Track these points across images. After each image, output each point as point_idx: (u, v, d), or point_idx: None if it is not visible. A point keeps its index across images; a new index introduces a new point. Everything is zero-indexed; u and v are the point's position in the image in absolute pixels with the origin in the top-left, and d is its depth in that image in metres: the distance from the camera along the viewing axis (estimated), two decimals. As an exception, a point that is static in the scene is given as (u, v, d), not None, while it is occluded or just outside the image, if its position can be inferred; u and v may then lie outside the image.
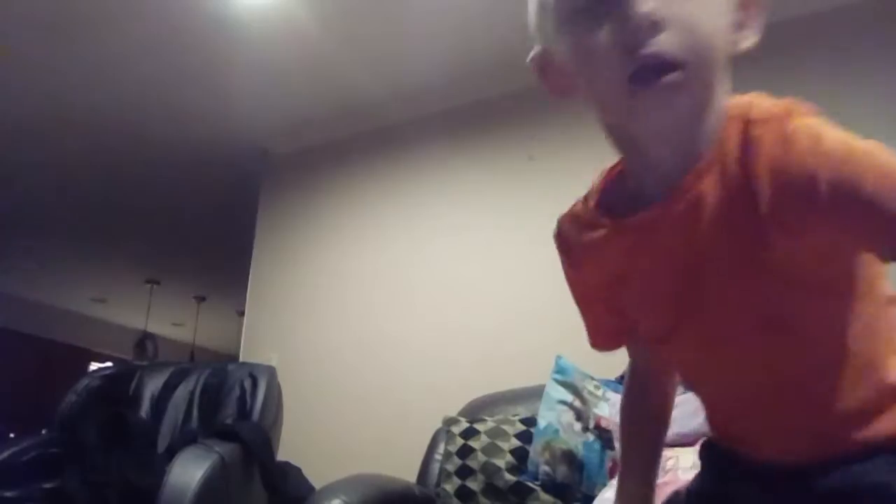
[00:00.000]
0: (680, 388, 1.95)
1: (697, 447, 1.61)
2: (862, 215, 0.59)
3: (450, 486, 2.01)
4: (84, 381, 2.76)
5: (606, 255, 0.76)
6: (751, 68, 2.80)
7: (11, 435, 3.16)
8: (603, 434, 1.95)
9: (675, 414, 1.81)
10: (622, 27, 0.60)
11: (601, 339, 0.89)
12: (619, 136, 0.72)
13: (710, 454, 0.85)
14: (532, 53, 0.73)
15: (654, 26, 0.60)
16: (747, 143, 0.61)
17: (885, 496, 0.64)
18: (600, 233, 0.75)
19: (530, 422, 2.06)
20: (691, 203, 0.65)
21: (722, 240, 0.64)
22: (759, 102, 0.67)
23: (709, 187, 0.64)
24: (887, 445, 0.66)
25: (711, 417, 0.83)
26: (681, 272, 0.69)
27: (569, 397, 2.02)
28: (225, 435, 2.25)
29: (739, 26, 0.70)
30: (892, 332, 0.69)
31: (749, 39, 0.73)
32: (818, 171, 0.58)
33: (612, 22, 0.61)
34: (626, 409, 0.98)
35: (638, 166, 0.72)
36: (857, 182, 0.58)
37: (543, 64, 0.73)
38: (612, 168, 0.78)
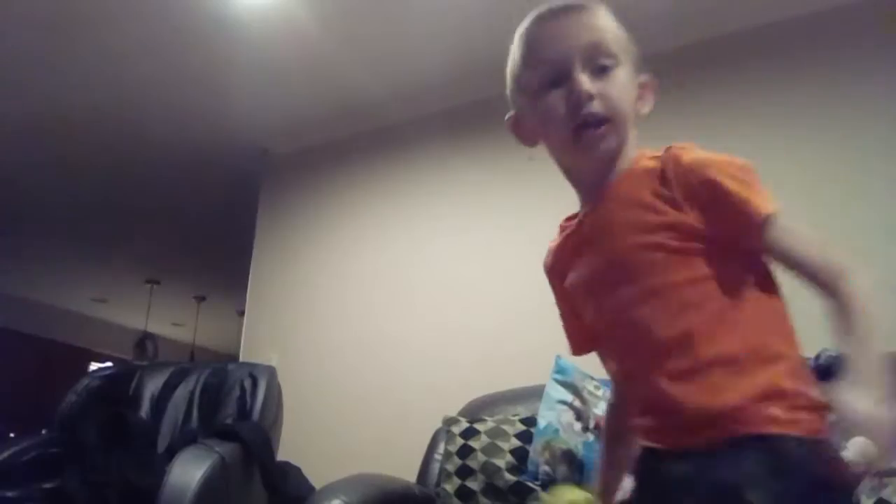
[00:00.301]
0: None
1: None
2: (711, 193, 0.88)
3: (450, 486, 2.01)
4: (84, 381, 2.76)
5: (563, 261, 1.03)
6: (752, 69, 2.79)
7: (11, 435, 3.16)
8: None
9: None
10: (570, 98, 0.92)
11: (575, 345, 1.10)
12: (569, 171, 1.01)
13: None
14: (507, 116, 1.05)
15: (590, 97, 0.92)
16: (665, 157, 0.94)
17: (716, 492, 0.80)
18: (560, 244, 1.05)
19: (530, 422, 2.06)
20: (610, 196, 0.94)
21: (630, 212, 0.91)
22: (670, 148, 0.96)
23: (624, 186, 0.93)
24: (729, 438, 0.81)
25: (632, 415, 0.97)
26: (600, 256, 0.95)
27: (569, 397, 2.02)
28: (225, 435, 2.25)
29: (640, 99, 1.00)
30: (735, 313, 0.87)
31: (646, 108, 1.03)
32: (694, 167, 0.91)
33: (564, 95, 0.93)
34: (605, 427, 1.16)
35: (582, 192, 1.01)
36: (713, 175, 0.89)
37: (515, 123, 1.05)
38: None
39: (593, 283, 0.96)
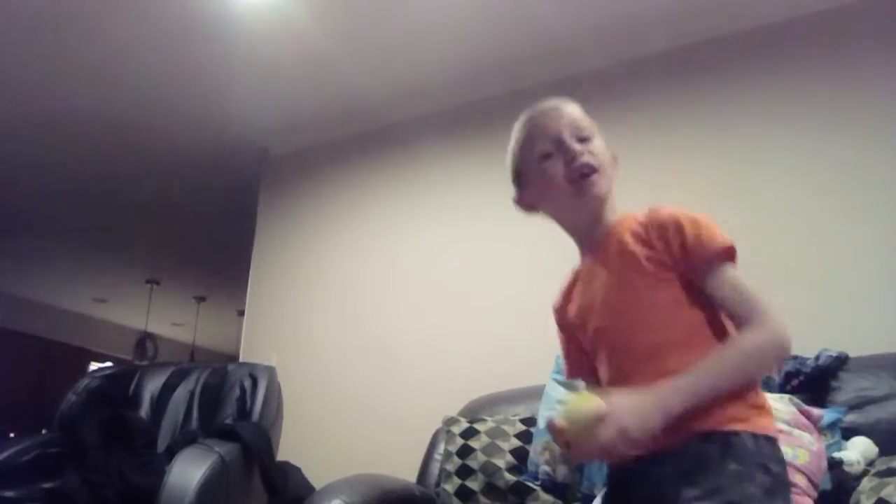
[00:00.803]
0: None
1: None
2: (682, 243, 1.11)
3: (450, 486, 2.01)
4: (84, 381, 2.76)
5: (567, 298, 1.27)
6: (752, 69, 2.79)
7: (11, 435, 3.16)
8: (603, 434, 1.95)
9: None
10: (566, 157, 1.19)
11: (571, 369, 1.28)
12: (569, 227, 1.26)
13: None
14: (514, 197, 1.29)
15: (581, 153, 1.19)
16: (647, 215, 1.16)
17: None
18: (567, 287, 1.28)
19: (530, 422, 2.06)
20: (606, 249, 1.19)
21: (622, 260, 1.15)
22: (649, 208, 1.18)
23: (614, 242, 1.17)
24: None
25: None
26: (599, 287, 1.18)
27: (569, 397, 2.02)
28: (225, 435, 2.25)
29: (612, 164, 1.24)
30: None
31: (615, 174, 1.24)
32: (670, 222, 1.13)
33: (561, 158, 1.20)
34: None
35: (581, 243, 1.25)
36: (688, 230, 1.11)
37: (520, 198, 1.29)
38: None
39: (593, 304, 1.19)
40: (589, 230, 1.22)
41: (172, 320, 7.75)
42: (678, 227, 1.11)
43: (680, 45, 2.83)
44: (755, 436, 1.03)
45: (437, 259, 3.19)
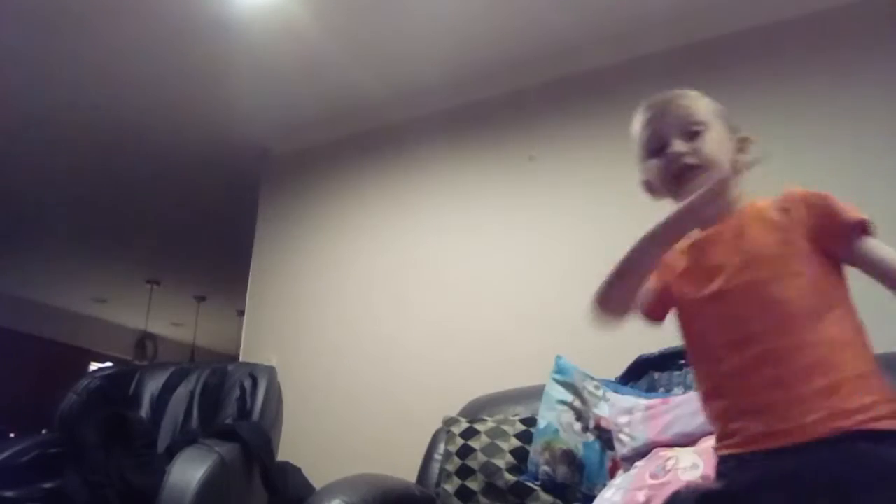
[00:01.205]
0: (680, 390, 1.95)
1: (697, 447, 1.61)
2: (829, 219, 1.17)
3: (450, 486, 2.01)
4: (84, 381, 2.76)
5: (674, 255, 1.26)
6: (752, 69, 2.79)
7: (11, 435, 3.16)
8: (603, 434, 1.95)
9: (676, 414, 1.82)
10: (666, 159, 1.24)
11: (647, 308, 1.28)
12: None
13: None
14: (641, 178, 1.32)
15: (682, 155, 1.22)
16: (785, 194, 1.22)
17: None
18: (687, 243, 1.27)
19: (530, 422, 2.06)
20: (737, 222, 1.21)
21: (766, 234, 1.18)
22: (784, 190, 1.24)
23: (747, 217, 1.21)
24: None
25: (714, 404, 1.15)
26: (729, 254, 1.18)
27: (569, 397, 2.02)
28: (225, 435, 2.25)
29: (739, 151, 1.27)
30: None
31: (747, 157, 1.27)
32: (814, 199, 1.21)
33: (663, 157, 1.24)
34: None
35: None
36: (829, 204, 1.19)
37: (647, 183, 1.31)
38: None
39: (721, 273, 1.17)
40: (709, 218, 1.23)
41: (172, 320, 7.75)
42: (816, 200, 1.18)
43: (680, 45, 2.83)
44: None
45: (438, 259, 3.19)
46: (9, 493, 2.28)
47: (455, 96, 3.32)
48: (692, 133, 1.22)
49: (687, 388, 1.95)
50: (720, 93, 2.85)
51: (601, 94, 2.98)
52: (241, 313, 3.97)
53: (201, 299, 7.09)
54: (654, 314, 1.27)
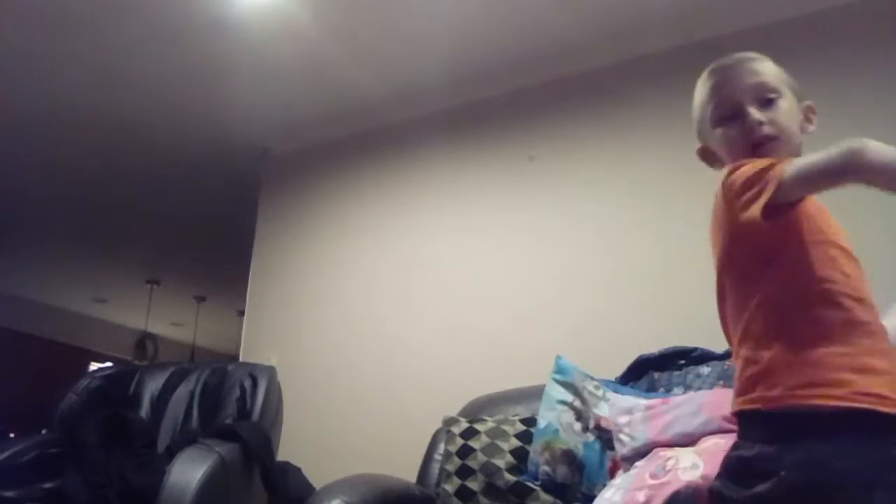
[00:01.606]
0: (680, 390, 1.94)
1: (697, 447, 1.61)
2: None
3: (450, 486, 2.01)
4: (84, 381, 2.76)
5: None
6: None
7: (11, 435, 3.15)
8: (603, 434, 1.95)
9: (676, 414, 1.81)
10: (744, 126, 1.17)
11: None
12: None
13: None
14: (697, 148, 1.28)
15: (760, 123, 1.16)
16: None
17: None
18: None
19: (530, 422, 2.06)
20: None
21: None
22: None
23: None
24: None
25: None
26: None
27: (569, 397, 2.02)
28: (225, 435, 2.25)
29: (805, 120, 1.22)
30: None
31: (811, 127, 1.23)
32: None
33: (740, 125, 1.18)
34: None
35: None
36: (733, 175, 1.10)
37: (703, 151, 1.27)
38: None
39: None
40: None
41: (172, 320, 7.75)
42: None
43: (680, 45, 2.83)
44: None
45: (438, 259, 3.19)
46: (9, 493, 2.27)
47: (455, 96, 3.31)
48: (767, 100, 1.18)
49: (687, 388, 1.96)
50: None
51: (601, 94, 2.98)
52: (241, 313, 3.98)
53: (201, 299, 7.09)
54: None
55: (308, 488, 2.50)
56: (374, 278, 3.34)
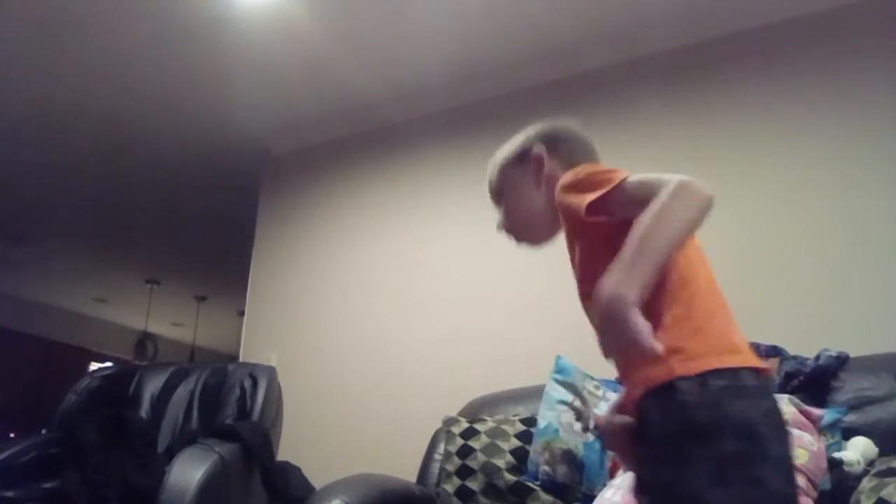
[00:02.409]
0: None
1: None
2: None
3: (450, 486, 2.01)
4: (84, 381, 2.76)
5: None
6: (752, 69, 2.78)
7: (11, 435, 3.16)
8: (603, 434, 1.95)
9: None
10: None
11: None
12: None
13: None
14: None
15: (500, 227, 1.39)
16: None
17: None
18: None
19: (530, 422, 2.06)
20: None
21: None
22: None
23: None
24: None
25: None
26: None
27: (569, 397, 2.02)
28: (225, 435, 2.25)
29: (534, 172, 1.34)
30: None
31: (545, 171, 1.32)
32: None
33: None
34: None
35: None
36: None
37: None
38: None
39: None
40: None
41: (172, 320, 7.75)
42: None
43: (680, 45, 2.83)
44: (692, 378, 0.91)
45: (438, 259, 3.19)
46: (9, 493, 2.28)
47: (455, 96, 3.32)
48: (498, 203, 1.40)
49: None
50: (720, 93, 2.87)
51: (601, 94, 2.98)
52: (241, 313, 3.98)
53: (201, 299, 7.09)
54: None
55: (308, 488, 2.50)
56: (375, 278, 3.34)
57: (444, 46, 3.06)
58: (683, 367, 0.92)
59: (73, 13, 2.97)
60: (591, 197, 1.06)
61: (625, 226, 1.01)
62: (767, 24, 2.69)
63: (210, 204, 4.76)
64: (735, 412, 0.89)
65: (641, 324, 0.91)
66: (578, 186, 1.11)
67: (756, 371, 0.94)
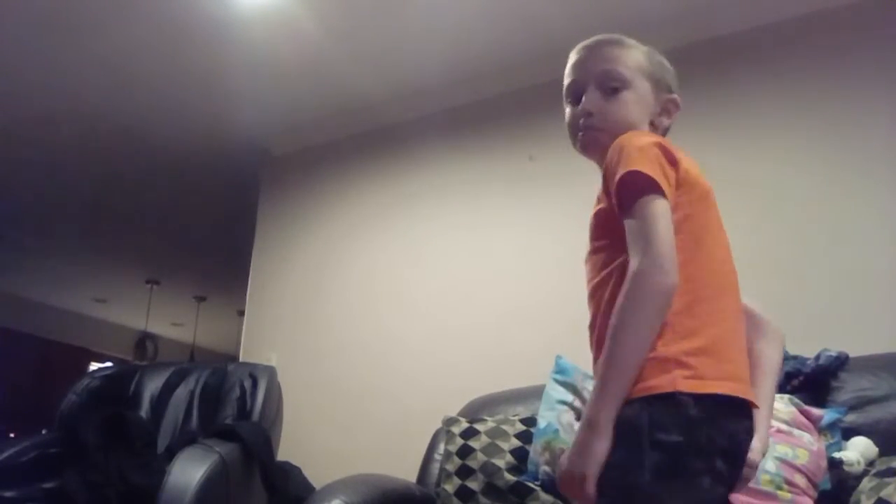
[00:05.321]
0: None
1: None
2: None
3: (450, 486, 2.01)
4: (84, 381, 2.77)
5: None
6: (752, 69, 2.78)
7: (11, 435, 3.16)
8: (603, 434, 1.95)
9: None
10: (577, 112, 1.19)
11: None
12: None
13: None
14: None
15: (589, 114, 1.16)
16: None
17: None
18: None
19: (530, 422, 2.06)
20: None
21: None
22: None
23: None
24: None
25: None
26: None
27: (569, 397, 2.02)
28: (225, 435, 2.25)
29: (662, 113, 1.19)
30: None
31: (668, 121, 1.20)
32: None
33: (576, 110, 1.19)
34: None
35: None
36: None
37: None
38: None
39: None
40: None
41: (172, 320, 7.75)
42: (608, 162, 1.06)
43: (680, 45, 2.82)
44: (644, 400, 0.92)
45: (437, 258, 3.19)
46: (9, 493, 2.28)
47: (455, 96, 3.32)
48: (611, 90, 1.15)
49: (687, 388, 1.95)
50: (720, 93, 2.86)
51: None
52: (241, 313, 3.98)
53: (201, 299, 7.10)
54: None
55: (308, 488, 2.50)
56: (374, 278, 3.34)
57: (444, 47, 3.06)
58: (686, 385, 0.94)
59: (72, 14, 2.97)
60: (640, 166, 1.00)
61: (617, 227, 1.02)
62: (768, 24, 2.69)
63: (210, 204, 4.76)
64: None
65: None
66: (649, 154, 1.03)
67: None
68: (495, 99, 3.24)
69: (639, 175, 0.99)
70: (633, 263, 0.95)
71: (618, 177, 1.01)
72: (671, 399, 0.91)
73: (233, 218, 4.53)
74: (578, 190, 2.99)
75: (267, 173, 3.95)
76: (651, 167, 1.00)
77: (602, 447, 0.91)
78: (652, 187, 0.99)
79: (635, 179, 1.00)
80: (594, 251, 1.14)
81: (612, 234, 1.05)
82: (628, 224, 1.00)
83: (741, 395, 0.96)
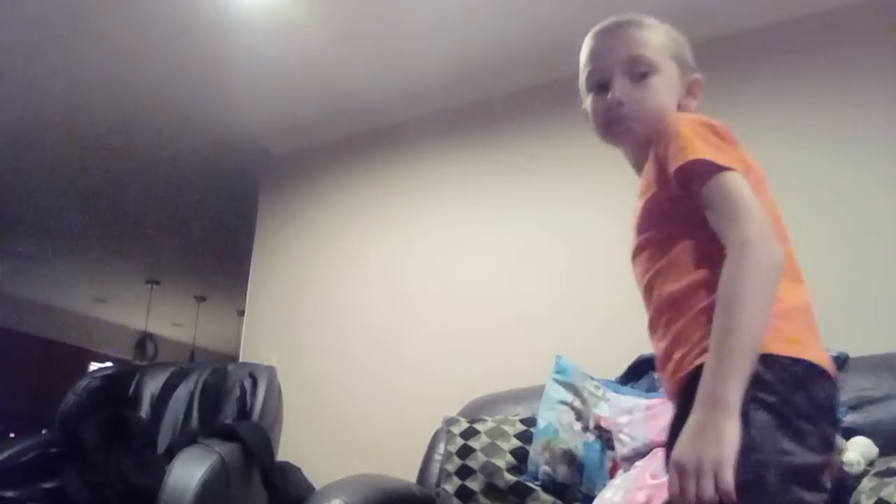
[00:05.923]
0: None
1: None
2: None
3: (450, 486, 2.01)
4: (84, 381, 2.77)
5: None
6: (752, 69, 2.79)
7: (11, 435, 3.16)
8: (603, 434, 1.95)
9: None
10: (606, 102, 1.12)
11: None
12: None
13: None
14: (582, 108, 1.23)
15: (620, 103, 1.10)
16: None
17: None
18: None
19: (530, 422, 2.06)
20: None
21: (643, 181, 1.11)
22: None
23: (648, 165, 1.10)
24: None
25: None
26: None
27: (569, 397, 2.02)
28: (225, 435, 2.25)
29: (688, 95, 1.20)
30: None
31: (694, 103, 1.21)
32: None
33: (605, 96, 1.13)
34: None
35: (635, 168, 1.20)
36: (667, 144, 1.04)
37: (584, 112, 1.22)
38: None
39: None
40: (637, 166, 1.16)
41: (172, 320, 7.75)
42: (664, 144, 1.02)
43: (680, 45, 2.82)
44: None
45: (438, 259, 3.19)
46: (9, 493, 2.28)
47: (455, 96, 3.31)
48: (639, 75, 1.11)
49: (687, 388, 1.95)
50: (720, 93, 2.85)
51: (601, 94, 2.98)
52: (241, 313, 3.98)
53: (201, 299, 7.10)
54: None
55: (308, 488, 2.50)
56: (374, 278, 3.34)
57: (444, 46, 3.06)
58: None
59: (72, 14, 2.97)
60: (708, 154, 0.97)
61: (680, 212, 0.99)
62: (768, 24, 2.69)
63: (210, 204, 4.76)
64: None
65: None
66: (702, 134, 1.01)
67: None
68: (495, 99, 3.24)
69: (707, 152, 0.98)
70: (736, 237, 0.92)
71: (687, 160, 0.97)
72: (772, 360, 0.90)
73: (233, 218, 4.53)
74: (578, 190, 3.01)
75: (267, 173, 3.95)
76: (715, 146, 1.00)
77: (735, 428, 0.83)
78: (725, 164, 0.99)
79: (705, 159, 0.97)
80: (646, 244, 1.07)
81: (669, 219, 1.03)
82: (712, 202, 0.96)
83: (827, 364, 0.98)
